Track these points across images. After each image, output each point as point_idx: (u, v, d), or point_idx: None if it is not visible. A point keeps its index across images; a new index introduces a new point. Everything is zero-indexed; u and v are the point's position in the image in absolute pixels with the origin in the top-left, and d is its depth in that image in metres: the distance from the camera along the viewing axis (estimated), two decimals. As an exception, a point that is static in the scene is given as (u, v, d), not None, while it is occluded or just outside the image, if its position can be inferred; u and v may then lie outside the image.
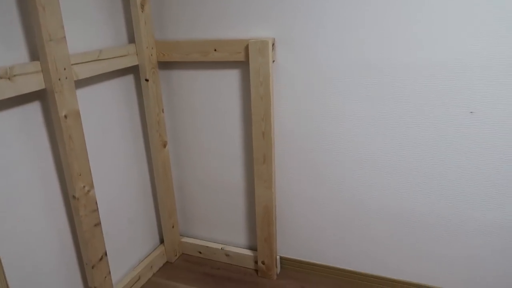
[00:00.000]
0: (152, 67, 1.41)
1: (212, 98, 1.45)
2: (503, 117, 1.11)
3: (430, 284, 1.38)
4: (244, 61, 1.33)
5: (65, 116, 1.08)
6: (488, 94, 1.11)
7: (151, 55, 1.40)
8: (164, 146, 1.52)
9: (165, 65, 1.48)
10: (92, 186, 1.19)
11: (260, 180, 1.41)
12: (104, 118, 1.33)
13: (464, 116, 1.15)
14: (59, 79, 1.05)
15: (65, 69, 1.07)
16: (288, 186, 1.46)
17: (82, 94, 1.23)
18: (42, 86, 1.03)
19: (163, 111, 1.49)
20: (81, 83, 1.22)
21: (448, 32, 1.10)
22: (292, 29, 1.26)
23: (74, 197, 1.14)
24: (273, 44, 1.27)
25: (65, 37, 1.05)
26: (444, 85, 1.14)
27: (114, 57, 1.28)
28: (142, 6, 1.33)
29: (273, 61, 1.30)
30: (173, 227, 1.65)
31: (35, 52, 1.05)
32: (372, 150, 1.29)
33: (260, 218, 1.47)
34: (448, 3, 1.08)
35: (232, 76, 1.39)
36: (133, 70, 1.43)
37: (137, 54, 1.38)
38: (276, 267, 1.55)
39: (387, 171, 1.29)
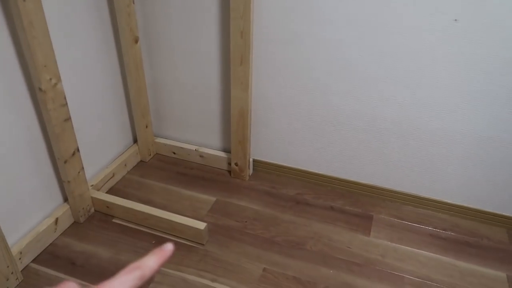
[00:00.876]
0: (120, -51, 1.26)
1: (187, -9, 1.34)
2: (486, 26, 1.09)
3: (395, 188, 1.47)
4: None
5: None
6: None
7: None
8: (136, 42, 1.43)
9: None
10: (59, 79, 1.12)
11: (237, 82, 1.38)
12: (68, 4, 1.21)
13: (448, 23, 1.12)
14: (13, -46, 0.92)
15: None
16: (264, 89, 1.43)
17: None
18: None
19: (133, 2, 1.38)
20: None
21: None
22: None
23: (40, 89, 1.08)
24: None
25: None
26: (434, -12, 1.09)
27: None
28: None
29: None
30: (146, 127, 1.64)
31: None
32: (351, 55, 1.26)
33: (235, 121, 1.47)
34: None
35: (210, -34, 1.27)
36: (99, -48, 1.28)
37: None
38: (249, 168, 1.60)
39: (363, 77, 1.28)
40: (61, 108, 1.16)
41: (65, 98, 1.16)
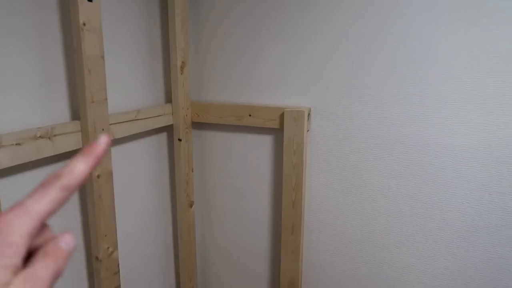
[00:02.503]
0: (186, 127, 1.42)
1: (243, 162, 1.44)
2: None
3: None
4: (278, 128, 1.32)
5: (98, 176, 1.08)
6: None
7: (186, 115, 1.41)
8: (191, 206, 1.50)
9: (198, 125, 1.49)
10: (116, 247, 1.16)
11: (287, 250, 1.35)
12: (134, 176, 1.33)
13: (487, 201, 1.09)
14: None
15: (103, 129, 1.08)
16: (316, 258, 1.39)
17: (115, 151, 1.24)
18: (79, 146, 1.04)
19: (192, 171, 1.48)
20: (115, 141, 1.23)
21: (476, 119, 1.07)
22: (328, 99, 1.25)
23: (97, 258, 1.11)
24: (308, 114, 1.26)
25: (106, 98, 1.08)
26: (475, 169, 1.09)
27: (151, 117, 1.30)
28: (182, 68, 1.36)
29: (308, 130, 1.28)
30: (192, 290, 1.59)
31: (76, 111, 1.07)
32: (407, 231, 1.22)
33: (284, 291, 1.40)
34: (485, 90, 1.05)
35: (264, 142, 1.38)
36: (167, 129, 1.45)
37: (172, 114, 1.39)
38: None
39: (422, 253, 1.22)
40: (113, 276, 1.16)
41: (118, 265, 1.18)
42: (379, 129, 1.20)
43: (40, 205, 0.26)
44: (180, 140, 1.40)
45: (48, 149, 0.96)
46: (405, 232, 1.23)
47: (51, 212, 0.27)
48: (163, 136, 1.45)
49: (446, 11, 1.08)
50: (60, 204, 0.28)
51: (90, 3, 0.99)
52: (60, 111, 1.04)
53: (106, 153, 0.29)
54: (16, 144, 0.88)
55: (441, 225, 1.18)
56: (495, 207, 1.11)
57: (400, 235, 1.24)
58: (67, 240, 0.30)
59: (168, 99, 1.43)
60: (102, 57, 1.04)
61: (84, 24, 0.98)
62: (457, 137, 1.12)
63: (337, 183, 1.29)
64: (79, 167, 0.28)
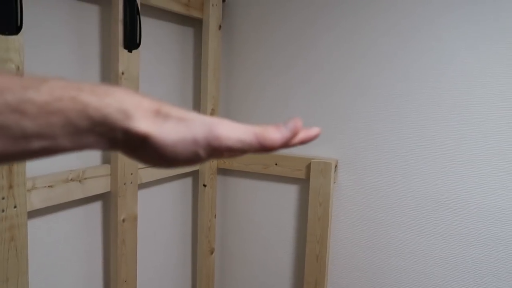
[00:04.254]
0: (212, 173, 1.43)
1: (267, 210, 1.42)
2: None
3: None
4: (304, 179, 1.31)
5: (123, 220, 1.08)
6: None
7: (212, 161, 1.42)
8: (211, 253, 1.47)
9: (224, 171, 1.49)
10: (135, 293, 1.14)
11: (309, 306, 1.30)
12: (157, 220, 1.32)
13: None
14: (124, 184, 1.07)
15: (131, 174, 1.10)
16: (338, 316, 1.32)
17: (141, 195, 1.25)
18: (108, 189, 1.06)
19: (215, 217, 1.47)
20: (141, 185, 1.24)
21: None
22: (356, 151, 1.24)
23: (115, 305, 1.09)
24: (335, 166, 1.25)
25: (137, 144, 1.10)
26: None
27: (178, 162, 1.31)
28: (211, 115, 1.39)
29: (334, 182, 1.27)
30: None
31: (107, 155, 1.09)
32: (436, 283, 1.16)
33: None
34: (528, 146, 1.03)
35: (290, 191, 1.36)
36: (192, 174, 1.46)
37: (199, 160, 1.41)
38: None
39: (456, 318, 1.14)
40: (130, 324, 1.14)
41: (135, 313, 1.15)
42: (408, 184, 1.18)
43: (234, 134, 0.30)
44: (205, 185, 1.41)
45: (78, 192, 0.97)
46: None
47: (235, 147, 0.30)
48: (188, 181, 1.45)
49: (486, 67, 1.08)
50: (241, 149, 0.31)
51: (129, 53, 1.04)
52: (93, 154, 1.06)
53: (311, 141, 0.34)
54: (49, 187, 0.90)
55: (474, 289, 1.12)
56: (534, 274, 1.05)
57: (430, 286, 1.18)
58: (286, 135, 0.32)
59: (196, 145, 1.45)
60: (137, 104, 1.08)
61: (122, 73, 1.02)
62: (492, 197, 1.08)
63: (363, 238, 1.25)
64: (276, 136, 0.31)
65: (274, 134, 0.31)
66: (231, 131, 0.30)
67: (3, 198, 0.79)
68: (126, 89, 0.30)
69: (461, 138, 1.10)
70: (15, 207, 0.81)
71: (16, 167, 0.81)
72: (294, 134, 0.32)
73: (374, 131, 1.21)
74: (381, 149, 1.21)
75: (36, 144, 0.27)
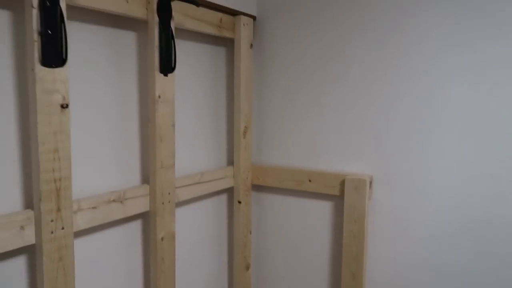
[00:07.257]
0: (246, 189, 1.44)
1: (301, 227, 1.42)
2: None
3: None
4: (339, 195, 1.30)
5: (162, 239, 1.11)
6: None
7: (247, 178, 1.44)
8: (247, 269, 1.48)
9: (258, 188, 1.51)
10: (173, 310, 1.17)
11: (347, 325, 1.28)
12: (194, 237, 1.35)
13: None
14: (163, 203, 1.11)
15: (169, 193, 1.13)
16: (377, 336, 1.29)
17: (178, 213, 1.28)
18: (147, 209, 1.10)
19: (250, 233, 1.49)
20: (178, 203, 1.28)
21: None
22: (390, 167, 1.22)
23: (155, 321, 1.12)
24: (370, 182, 1.24)
25: (174, 164, 1.14)
26: None
27: (213, 180, 1.34)
28: (245, 133, 1.42)
29: (370, 199, 1.25)
30: None
31: (146, 175, 1.13)
32: (483, 312, 1.12)
33: None
34: None
35: (324, 208, 1.36)
36: (228, 191, 1.48)
37: (233, 177, 1.43)
38: None
39: None
40: None
41: (174, 329, 1.18)
42: (444, 202, 1.14)
43: None
44: (240, 202, 1.42)
45: (119, 212, 1.02)
46: (480, 316, 1.12)
47: None
48: (224, 198, 1.48)
49: (518, 82, 1.04)
50: None
51: (165, 77, 1.08)
52: (132, 175, 1.11)
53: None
54: (92, 208, 0.95)
55: (522, 311, 1.07)
56: None
57: (474, 318, 1.13)
58: None
59: (230, 162, 1.48)
60: (173, 125, 1.12)
61: (159, 97, 1.06)
62: (537, 214, 1.03)
63: (401, 255, 1.23)
64: None
65: None
66: None
67: (52, 221, 0.84)
68: None
69: (507, 154, 1.07)
70: (62, 228, 0.86)
71: (63, 190, 0.86)
72: None
73: (408, 147, 1.19)
74: (415, 165, 1.18)
75: None
